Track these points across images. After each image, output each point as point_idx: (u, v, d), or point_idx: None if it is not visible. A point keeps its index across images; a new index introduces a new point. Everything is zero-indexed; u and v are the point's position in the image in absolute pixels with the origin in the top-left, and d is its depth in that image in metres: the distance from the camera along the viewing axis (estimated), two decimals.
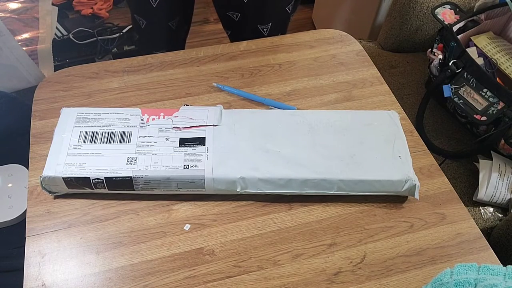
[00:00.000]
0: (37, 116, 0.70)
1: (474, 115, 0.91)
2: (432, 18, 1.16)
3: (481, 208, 0.93)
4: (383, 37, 1.26)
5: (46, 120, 0.70)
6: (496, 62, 1.00)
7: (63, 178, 0.58)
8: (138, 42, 1.03)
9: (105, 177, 0.58)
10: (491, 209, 0.93)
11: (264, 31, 0.94)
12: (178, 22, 0.97)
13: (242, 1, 0.89)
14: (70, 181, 0.59)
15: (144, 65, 0.78)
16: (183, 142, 0.63)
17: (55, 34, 1.77)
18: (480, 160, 0.94)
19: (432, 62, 1.02)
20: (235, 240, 0.58)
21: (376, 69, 0.80)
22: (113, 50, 1.74)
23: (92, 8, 1.87)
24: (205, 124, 0.65)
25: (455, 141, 1.02)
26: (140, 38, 1.00)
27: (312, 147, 0.63)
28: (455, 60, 0.95)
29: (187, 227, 0.59)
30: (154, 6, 0.89)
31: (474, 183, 0.95)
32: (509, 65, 1.00)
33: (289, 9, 0.93)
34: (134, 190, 0.60)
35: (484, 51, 1.01)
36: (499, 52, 1.02)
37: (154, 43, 1.01)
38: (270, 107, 0.72)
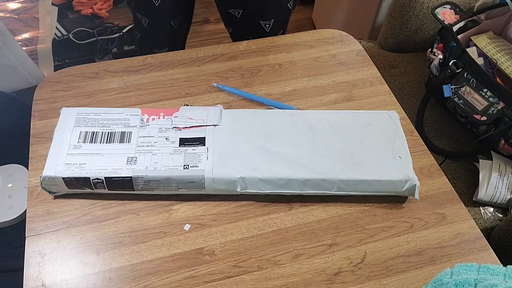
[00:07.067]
0: (37, 116, 0.70)
1: (474, 115, 0.91)
2: (432, 18, 1.15)
3: (481, 208, 0.93)
4: (383, 37, 1.26)
5: (46, 120, 0.69)
6: (496, 62, 1.00)
7: (63, 178, 0.58)
8: (140, 40, 1.03)
9: (105, 177, 0.58)
10: (491, 209, 0.92)
11: (266, 27, 0.94)
12: (180, 21, 0.97)
13: None
14: (70, 181, 0.59)
15: (144, 65, 0.78)
16: (183, 142, 0.63)
17: (55, 34, 1.77)
18: (480, 160, 0.94)
19: (432, 62, 1.02)
20: (235, 240, 0.58)
21: (376, 69, 0.80)
22: (113, 50, 1.74)
23: (92, 8, 1.87)
24: (205, 124, 0.65)
25: (455, 141, 1.02)
26: (142, 36, 1.01)
27: (312, 147, 0.63)
28: (455, 60, 0.95)
29: (187, 227, 0.59)
30: (157, 4, 0.89)
31: (474, 183, 0.95)
32: (509, 65, 1.00)
33: (290, 5, 0.93)
34: (134, 190, 0.60)
35: (484, 51, 1.01)
36: (499, 52, 1.02)
37: (156, 41, 1.01)
38: (270, 107, 0.72)
